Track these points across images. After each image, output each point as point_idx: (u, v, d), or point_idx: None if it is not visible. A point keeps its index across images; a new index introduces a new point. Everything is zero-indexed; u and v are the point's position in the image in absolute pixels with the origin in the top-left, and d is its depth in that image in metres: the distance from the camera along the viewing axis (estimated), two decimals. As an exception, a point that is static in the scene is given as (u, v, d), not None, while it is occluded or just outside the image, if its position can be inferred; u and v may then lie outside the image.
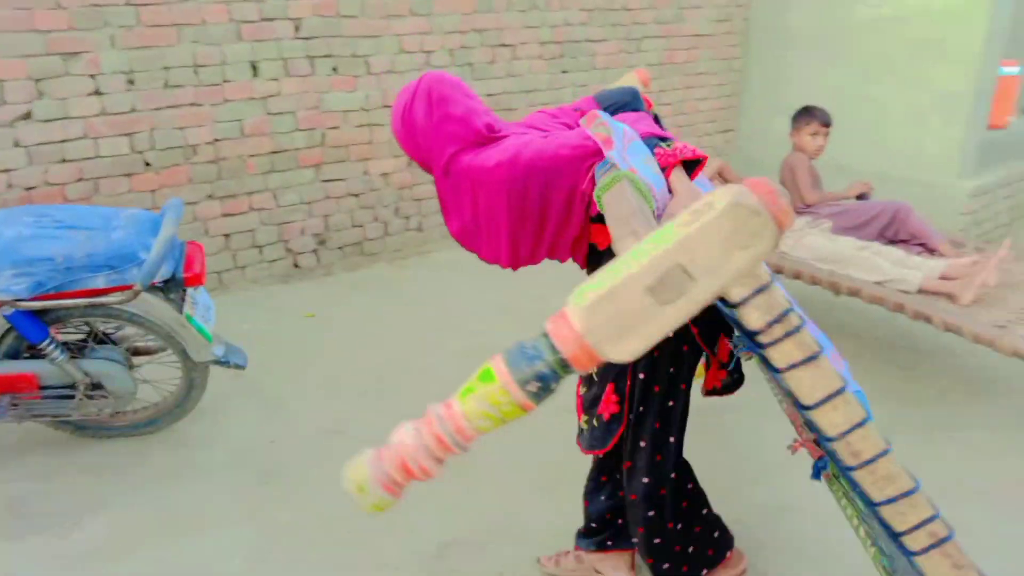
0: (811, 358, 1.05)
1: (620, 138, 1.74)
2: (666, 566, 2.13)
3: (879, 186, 4.24)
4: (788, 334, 1.04)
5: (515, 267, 1.96)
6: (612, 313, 1.02)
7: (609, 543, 2.29)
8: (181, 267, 2.73)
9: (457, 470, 2.84)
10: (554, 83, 5.35)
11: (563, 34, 5.29)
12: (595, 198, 1.63)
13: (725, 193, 0.99)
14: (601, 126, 1.77)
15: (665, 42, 5.87)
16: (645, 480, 2.02)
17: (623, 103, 2.18)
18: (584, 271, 2.00)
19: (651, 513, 2.06)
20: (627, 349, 1.02)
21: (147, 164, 3.95)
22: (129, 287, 2.60)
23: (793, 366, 1.06)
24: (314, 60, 4.31)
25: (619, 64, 5.63)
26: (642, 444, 2.01)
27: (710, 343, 1.97)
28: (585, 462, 2.27)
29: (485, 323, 4.07)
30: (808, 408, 1.09)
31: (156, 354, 3.05)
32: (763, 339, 1.05)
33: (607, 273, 1.04)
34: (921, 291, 3.27)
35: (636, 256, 1.01)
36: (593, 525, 2.29)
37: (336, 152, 4.53)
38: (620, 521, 2.24)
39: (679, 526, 2.10)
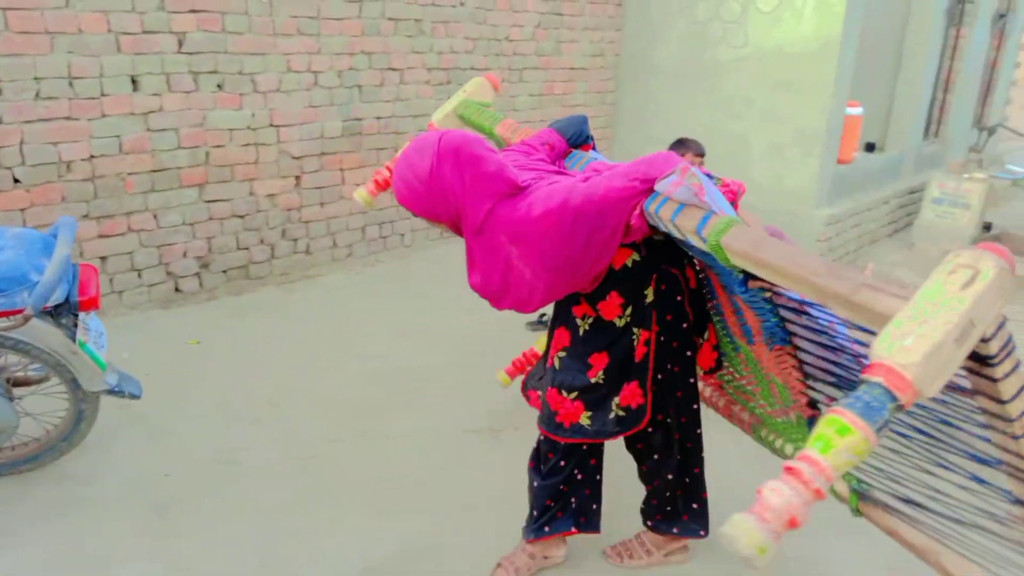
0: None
1: (709, 184, 1.80)
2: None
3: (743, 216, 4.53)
4: (1009, 354, 1.37)
5: (536, 308, 1.98)
6: (935, 363, 1.25)
7: (547, 529, 2.39)
8: (76, 290, 2.54)
9: (373, 495, 2.81)
10: (441, 108, 5.39)
11: (449, 61, 5.35)
12: (711, 245, 1.67)
13: (985, 258, 1.31)
14: (694, 176, 1.79)
15: (544, 73, 6.06)
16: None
17: (582, 132, 2.36)
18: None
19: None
20: (938, 386, 1.27)
21: (16, 180, 3.64)
22: (19, 311, 2.39)
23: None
24: (198, 76, 4.15)
25: (503, 93, 5.76)
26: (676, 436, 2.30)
27: (701, 332, 2.26)
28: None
29: (380, 346, 4.02)
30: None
31: (37, 384, 2.82)
32: (996, 362, 1.35)
33: (918, 327, 1.27)
34: (801, 309, 3.53)
35: (942, 313, 1.27)
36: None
37: (220, 172, 4.36)
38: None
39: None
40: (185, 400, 3.40)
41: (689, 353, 2.22)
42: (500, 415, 3.41)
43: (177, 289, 4.32)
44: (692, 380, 2.26)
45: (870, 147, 7.07)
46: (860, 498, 1.96)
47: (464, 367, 3.81)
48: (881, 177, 6.83)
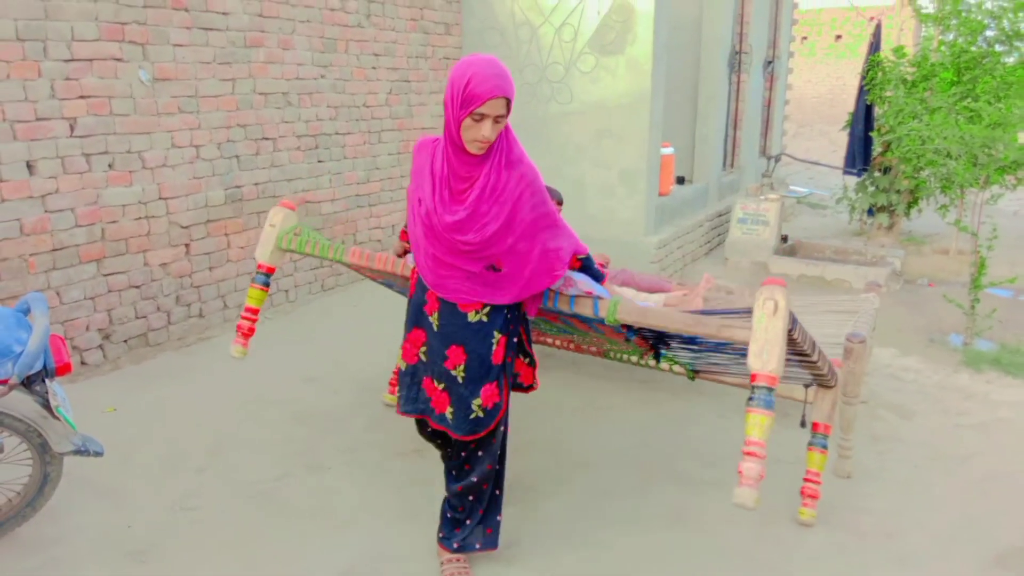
0: None
1: (585, 280, 2.72)
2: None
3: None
4: (797, 327, 2.54)
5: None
6: (781, 359, 2.30)
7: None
8: (51, 359, 2.79)
9: (328, 516, 3.18)
10: (312, 172, 5.82)
11: (316, 128, 5.80)
12: (610, 321, 2.62)
13: (776, 291, 2.34)
14: (576, 285, 2.70)
15: (400, 134, 6.63)
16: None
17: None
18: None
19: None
20: (782, 369, 2.33)
21: (-76, 268, 3.72)
22: (3, 382, 2.62)
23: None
24: (90, 157, 4.36)
25: (365, 154, 6.27)
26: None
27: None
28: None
29: (292, 392, 4.36)
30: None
31: (-3, 456, 2.97)
32: (795, 336, 2.50)
33: (766, 344, 2.30)
34: (656, 317, 4.29)
35: (771, 332, 2.30)
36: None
37: (116, 245, 4.55)
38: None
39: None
40: (124, 461, 3.59)
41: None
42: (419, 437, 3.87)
43: (83, 362, 4.44)
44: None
45: (681, 180, 8.18)
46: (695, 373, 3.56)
47: (373, 402, 4.23)
48: (694, 205, 7.93)
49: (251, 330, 3.45)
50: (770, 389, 2.27)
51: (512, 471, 3.16)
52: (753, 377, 2.29)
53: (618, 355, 3.91)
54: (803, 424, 2.77)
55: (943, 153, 6.50)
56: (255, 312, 3.45)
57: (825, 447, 3.09)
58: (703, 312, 2.56)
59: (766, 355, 2.27)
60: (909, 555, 3.03)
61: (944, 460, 3.79)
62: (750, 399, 2.29)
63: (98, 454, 3.04)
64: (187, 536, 3.08)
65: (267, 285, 3.44)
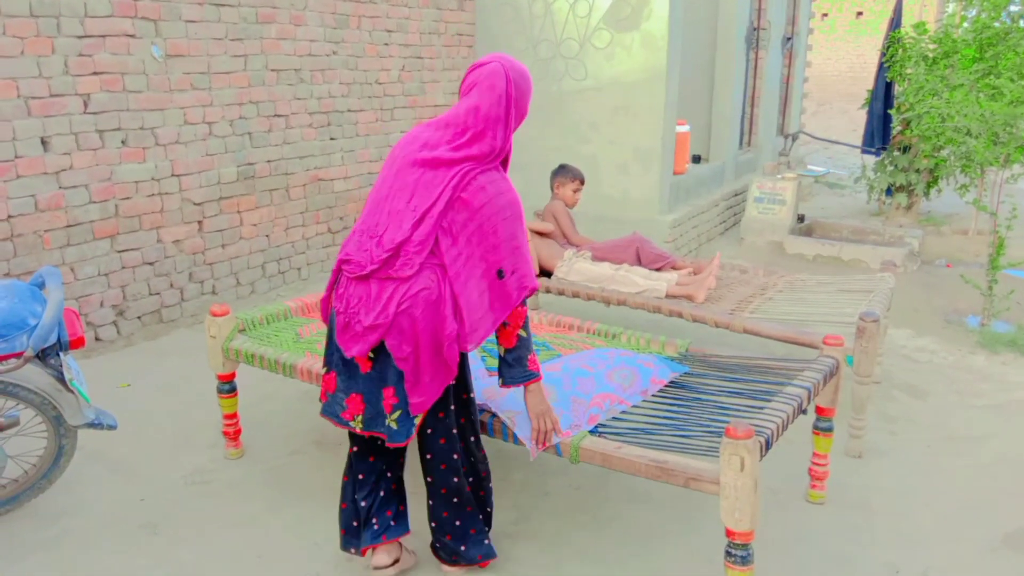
0: None
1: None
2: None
3: (600, 227, 5.17)
4: None
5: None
6: None
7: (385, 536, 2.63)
8: (65, 332, 2.82)
9: (322, 489, 3.16)
10: (325, 149, 5.82)
11: (328, 105, 5.79)
12: (573, 460, 2.52)
13: (740, 449, 2.18)
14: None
15: (413, 111, 6.61)
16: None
17: None
18: None
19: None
20: None
21: (-60, 243, 3.77)
22: (18, 354, 2.65)
23: None
24: (104, 133, 4.38)
25: (378, 131, 6.26)
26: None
27: None
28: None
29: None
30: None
31: (9, 428, 3.02)
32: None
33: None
34: (668, 296, 4.26)
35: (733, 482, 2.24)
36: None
37: (130, 222, 4.58)
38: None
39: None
40: (136, 436, 3.64)
41: None
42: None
43: (97, 338, 4.49)
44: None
45: (696, 159, 8.11)
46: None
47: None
48: (710, 184, 7.87)
49: (237, 432, 3.49)
50: (746, 546, 2.25)
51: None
52: (729, 533, 2.26)
53: None
54: (804, 411, 2.73)
55: (963, 131, 6.40)
56: (233, 417, 3.44)
57: (831, 430, 3.06)
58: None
59: (738, 513, 2.21)
60: (917, 534, 3.01)
61: (956, 441, 3.76)
62: (728, 554, 2.28)
63: (112, 427, 3.08)
64: (198, 510, 3.12)
65: (233, 391, 3.38)
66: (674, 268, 4.62)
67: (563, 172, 4.78)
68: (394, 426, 2.38)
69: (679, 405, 2.86)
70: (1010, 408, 4.13)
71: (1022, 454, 3.65)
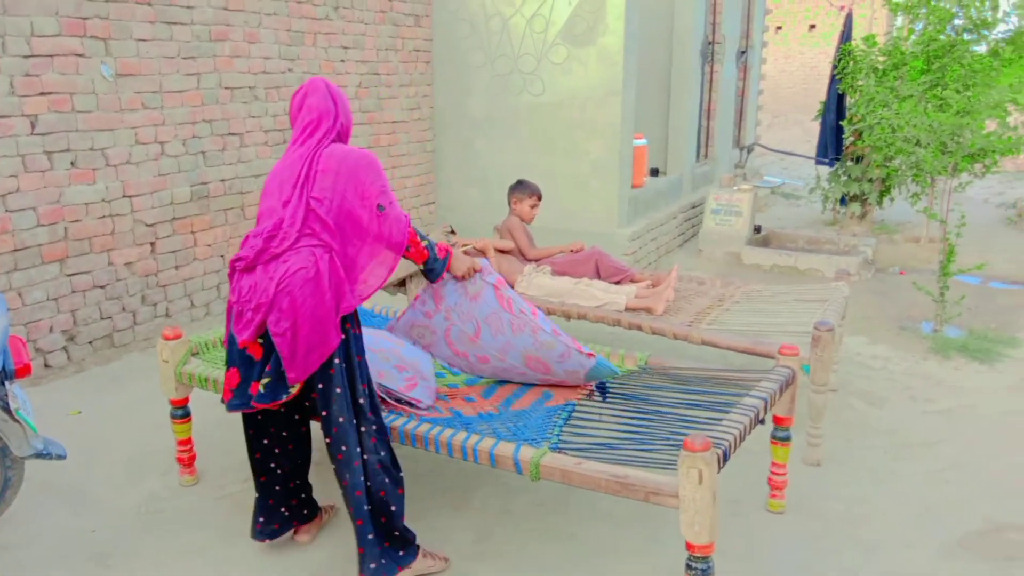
0: None
1: None
2: None
3: (560, 241, 5.16)
4: None
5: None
6: None
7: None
8: (9, 360, 2.74)
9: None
10: (281, 167, 5.75)
11: (283, 123, 5.74)
12: (533, 477, 2.53)
13: (698, 462, 2.18)
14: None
15: (370, 128, 6.58)
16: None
17: None
18: None
19: None
20: None
21: None
22: (-40, 385, 2.57)
23: None
24: (52, 155, 4.29)
25: (335, 148, 6.20)
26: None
27: None
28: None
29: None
30: None
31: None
32: None
33: None
34: (627, 309, 4.28)
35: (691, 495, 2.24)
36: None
37: (79, 245, 4.48)
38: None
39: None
40: (87, 465, 3.55)
41: None
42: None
43: (46, 365, 4.38)
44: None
45: (654, 172, 8.19)
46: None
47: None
48: (667, 196, 7.94)
49: (191, 459, 3.43)
50: (706, 558, 2.26)
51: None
52: (689, 547, 2.27)
53: None
54: (762, 422, 2.75)
55: (912, 141, 6.55)
56: (187, 443, 3.37)
57: (788, 439, 3.09)
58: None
59: (697, 526, 2.21)
60: (875, 541, 3.05)
61: (911, 447, 3.82)
62: (688, 567, 2.29)
63: (60, 457, 3.00)
64: (151, 540, 3.05)
65: (187, 416, 3.33)
66: (633, 281, 4.65)
67: (520, 188, 4.78)
68: (262, 390, 2.55)
69: (640, 418, 2.86)
70: (961, 413, 4.21)
71: (974, 458, 3.71)
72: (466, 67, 7.08)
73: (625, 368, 3.33)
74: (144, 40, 4.70)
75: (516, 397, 3.10)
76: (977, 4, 7.29)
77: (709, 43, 8.82)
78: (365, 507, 2.60)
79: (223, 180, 5.33)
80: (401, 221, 2.65)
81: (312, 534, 3.00)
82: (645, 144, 7.25)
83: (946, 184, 6.31)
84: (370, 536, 2.62)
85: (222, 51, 5.20)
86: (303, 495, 2.95)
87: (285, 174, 2.56)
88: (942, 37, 7.40)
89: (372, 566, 2.60)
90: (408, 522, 2.75)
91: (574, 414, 2.92)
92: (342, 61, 6.20)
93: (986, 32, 7.41)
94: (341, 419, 2.56)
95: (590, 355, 3.10)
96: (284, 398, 2.56)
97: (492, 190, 6.10)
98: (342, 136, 2.65)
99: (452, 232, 4.48)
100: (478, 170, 7.15)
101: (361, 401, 2.61)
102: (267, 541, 2.89)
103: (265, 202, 2.61)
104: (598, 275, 4.65)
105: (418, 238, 2.76)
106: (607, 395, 3.07)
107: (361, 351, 2.65)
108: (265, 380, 2.54)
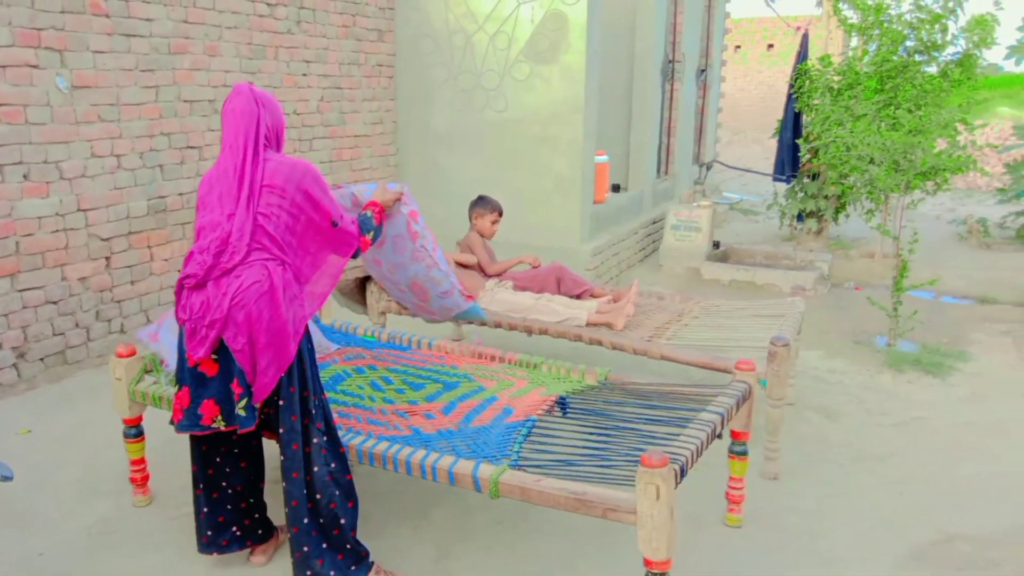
0: None
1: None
2: None
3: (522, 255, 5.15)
4: None
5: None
6: None
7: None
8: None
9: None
10: (241, 182, 5.69)
11: (244, 137, 5.68)
12: (492, 494, 2.51)
13: (656, 478, 2.20)
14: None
15: (332, 142, 6.55)
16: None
17: None
18: None
19: None
20: None
21: None
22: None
23: None
24: (4, 168, 4.20)
25: (296, 162, 6.16)
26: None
27: None
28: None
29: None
30: None
31: None
32: None
33: None
34: (588, 324, 4.30)
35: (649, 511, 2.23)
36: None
37: (32, 260, 4.38)
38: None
39: None
40: (37, 486, 3.46)
41: None
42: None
43: (-4, 381, 4.27)
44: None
45: (616, 188, 8.26)
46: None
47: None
48: (629, 212, 8.02)
49: (145, 478, 3.36)
50: (664, 575, 2.28)
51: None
52: (647, 563, 2.27)
53: None
54: (719, 436, 2.78)
55: (866, 159, 6.70)
56: (140, 462, 3.31)
57: (745, 453, 3.13)
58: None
59: (655, 542, 2.22)
60: (832, 553, 3.09)
61: (866, 460, 3.89)
62: None
63: (7, 479, 2.90)
64: (103, 562, 2.98)
65: (140, 435, 3.27)
66: (594, 296, 4.68)
67: (481, 204, 4.79)
68: (242, 413, 2.53)
69: (600, 434, 2.87)
70: (914, 425, 4.29)
71: (926, 470, 3.79)
72: (429, 82, 7.09)
73: (586, 383, 3.34)
74: (101, 52, 4.63)
75: (476, 413, 3.10)
76: (927, 27, 7.50)
77: (669, 62, 8.95)
78: (305, 520, 2.58)
79: (181, 194, 5.26)
80: (351, 231, 2.71)
81: (268, 555, 2.95)
82: (607, 160, 7.32)
83: (899, 201, 6.46)
84: (324, 545, 2.62)
85: (181, 64, 5.14)
86: (256, 515, 2.91)
87: (223, 186, 2.51)
88: (895, 58, 7.59)
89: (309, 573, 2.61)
90: (367, 540, 2.73)
91: (534, 430, 2.92)
92: (304, 75, 6.17)
93: (936, 54, 7.61)
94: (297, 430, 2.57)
95: (470, 297, 3.69)
96: (259, 418, 2.57)
97: (454, 206, 6.08)
98: (272, 141, 2.60)
99: None
100: (441, 185, 7.14)
101: (313, 411, 2.60)
102: (215, 555, 2.85)
103: (205, 215, 2.55)
104: (559, 290, 4.67)
105: (363, 233, 2.81)
106: (567, 410, 3.09)
107: (313, 363, 2.64)
108: (242, 403, 2.52)
